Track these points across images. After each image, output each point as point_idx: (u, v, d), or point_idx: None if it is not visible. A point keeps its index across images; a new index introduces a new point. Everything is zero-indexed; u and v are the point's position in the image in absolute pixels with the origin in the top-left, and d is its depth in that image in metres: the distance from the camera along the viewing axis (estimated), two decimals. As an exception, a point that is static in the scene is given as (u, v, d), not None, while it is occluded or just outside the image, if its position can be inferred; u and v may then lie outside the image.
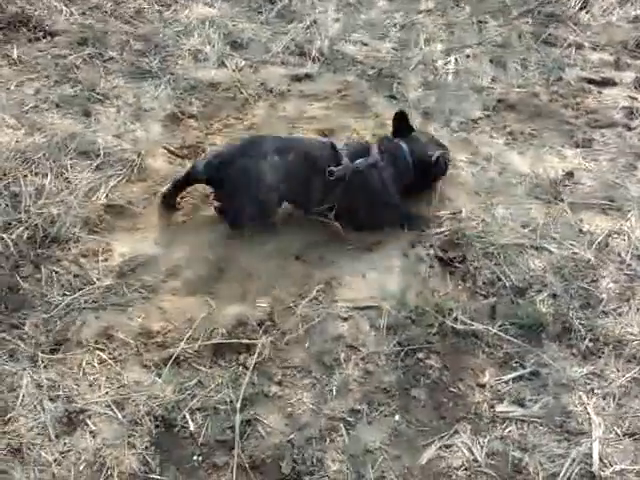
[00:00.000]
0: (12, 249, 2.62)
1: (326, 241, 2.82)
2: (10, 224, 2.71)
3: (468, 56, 3.89)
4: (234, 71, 3.72)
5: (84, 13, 3.90)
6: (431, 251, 2.79)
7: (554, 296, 2.61)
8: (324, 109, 3.57)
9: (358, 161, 2.81)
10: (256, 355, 2.37)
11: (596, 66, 3.91)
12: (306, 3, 4.21)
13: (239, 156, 2.76)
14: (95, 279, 2.60)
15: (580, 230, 2.90)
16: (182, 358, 2.36)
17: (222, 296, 2.59)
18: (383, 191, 2.85)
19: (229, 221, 2.84)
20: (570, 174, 3.18)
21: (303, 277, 2.68)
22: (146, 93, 3.48)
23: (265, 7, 4.15)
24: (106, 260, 2.68)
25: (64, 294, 2.54)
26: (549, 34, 4.06)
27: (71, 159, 3.01)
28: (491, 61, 3.87)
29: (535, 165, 3.24)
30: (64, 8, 3.87)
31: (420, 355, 2.41)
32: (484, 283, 2.67)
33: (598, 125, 3.49)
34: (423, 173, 2.94)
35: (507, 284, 2.65)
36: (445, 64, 3.81)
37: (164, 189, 2.94)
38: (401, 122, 3.01)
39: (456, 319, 2.51)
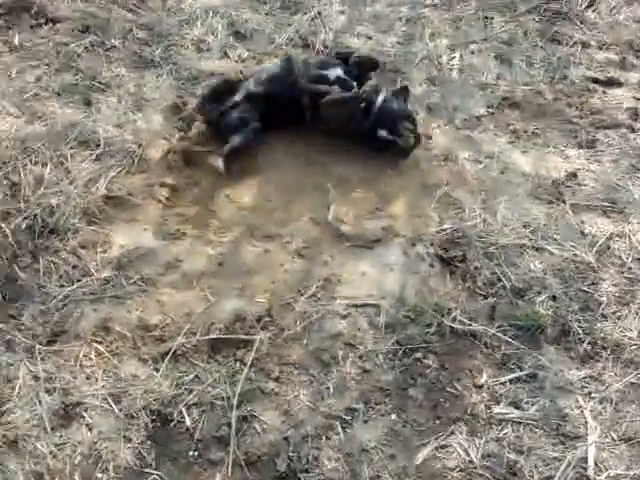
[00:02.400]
0: (10, 239, 2.60)
1: (326, 238, 2.81)
2: (9, 213, 2.69)
3: (473, 52, 3.85)
4: (237, 62, 3.68)
5: (87, 0, 3.85)
6: (431, 249, 2.78)
7: (554, 298, 2.61)
8: (327, 103, 3.54)
9: None
10: (254, 351, 2.36)
11: (601, 65, 3.88)
12: (311, -7, 4.16)
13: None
14: (93, 271, 2.58)
15: (581, 232, 2.89)
16: (179, 352, 2.35)
17: (221, 291, 2.58)
18: None
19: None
20: (573, 175, 3.17)
21: (302, 273, 2.66)
22: (148, 83, 3.44)
23: (270, -3, 4.11)
24: (105, 252, 2.67)
25: (62, 285, 2.52)
26: (555, 32, 4.02)
27: (71, 148, 2.99)
28: (496, 58, 3.83)
29: (538, 165, 3.22)
30: (66, -5, 3.83)
31: (418, 355, 2.41)
32: (484, 283, 2.66)
33: (602, 126, 3.47)
34: None
35: (507, 285, 2.64)
36: (450, 60, 3.78)
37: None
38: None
39: (455, 319, 2.50)
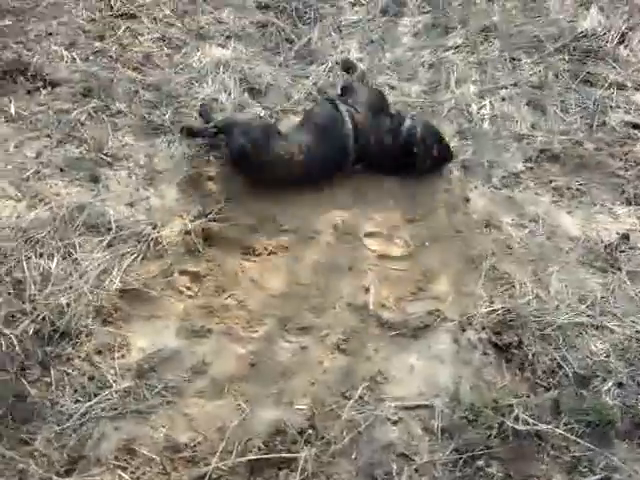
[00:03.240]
0: (17, 347, 2.31)
1: (367, 327, 2.54)
2: (14, 316, 2.40)
3: (504, 99, 3.56)
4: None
5: (87, 59, 3.50)
6: (483, 335, 2.52)
7: (620, 385, 2.38)
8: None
9: None
10: (298, 472, 2.09)
11: (640, 109, 3.61)
12: (326, 41, 3.85)
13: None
14: (112, 381, 2.30)
15: (642, 304, 2.64)
16: (215, 476, 2.08)
17: (255, 397, 2.31)
18: None
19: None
20: (625, 237, 2.91)
21: (345, 372, 2.40)
22: (159, 152, 3.11)
23: (283, 47, 3.78)
24: (123, 357, 2.39)
25: (77, 400, 2.25)
26: (587, 72, 3.74)
27: (79, 235, 2.68)
28: (528, 104, 3.54)
29: (586, 227, 2.97)
30: (65, 53, 3.48)
31: (480, 462, 2.16)
32: (544, 372, 2.42)
33: (649, 179, 3.22)
34: None
35: (569, 372, 2.40)
36: (480, 108, 3.49)
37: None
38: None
39: (517, 418, 2.24)
